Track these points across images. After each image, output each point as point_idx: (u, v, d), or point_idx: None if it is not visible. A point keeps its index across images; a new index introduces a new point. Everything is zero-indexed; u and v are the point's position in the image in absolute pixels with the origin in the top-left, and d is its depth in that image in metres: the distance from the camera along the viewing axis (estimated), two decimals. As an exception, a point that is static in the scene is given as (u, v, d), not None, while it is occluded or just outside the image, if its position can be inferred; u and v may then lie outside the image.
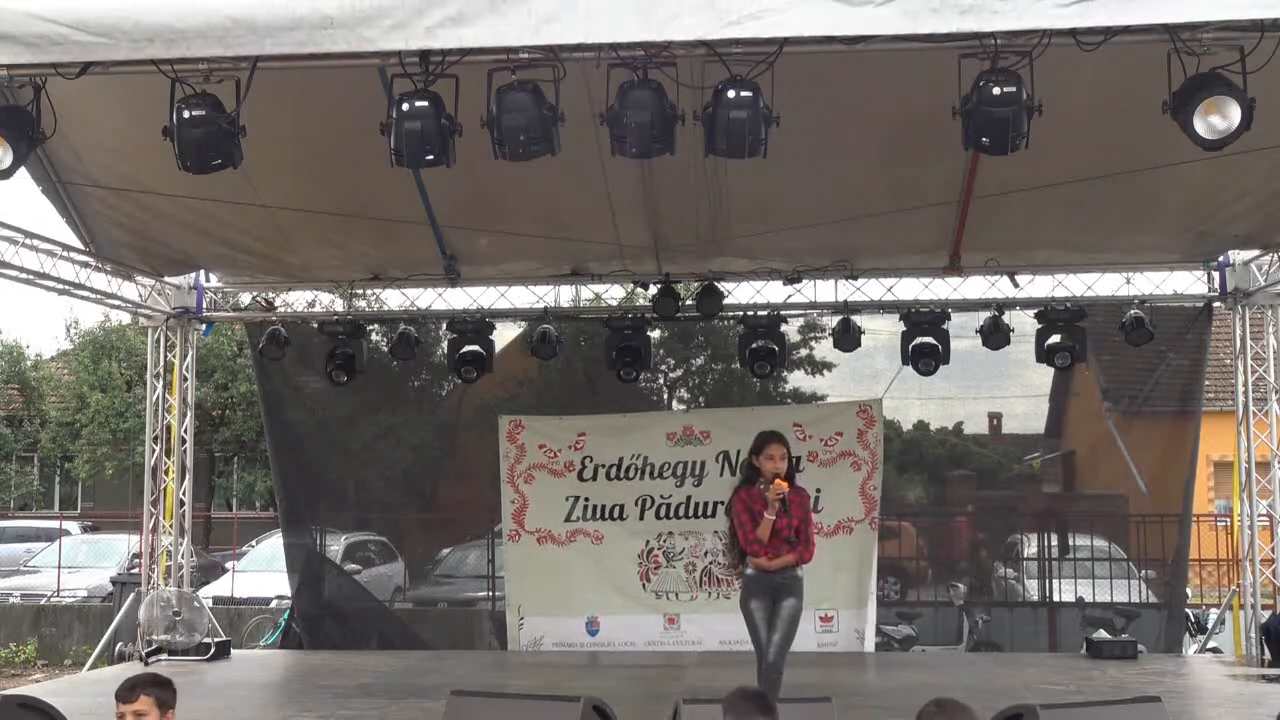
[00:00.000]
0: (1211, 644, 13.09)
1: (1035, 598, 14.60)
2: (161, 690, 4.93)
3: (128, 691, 4.89)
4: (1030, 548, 15.09)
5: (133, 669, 11.84)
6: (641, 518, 13.05)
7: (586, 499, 13.11)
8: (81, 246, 11.21)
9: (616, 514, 13.07)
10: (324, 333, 12.96)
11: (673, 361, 17.40)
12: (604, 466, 13.13)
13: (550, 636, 12.93)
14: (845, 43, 6.26)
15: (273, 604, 16.60)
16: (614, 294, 14.64)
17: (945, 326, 12.33)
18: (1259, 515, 12.11)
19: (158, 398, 12.83)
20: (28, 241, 10.40)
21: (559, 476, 13.15)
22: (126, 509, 20.70)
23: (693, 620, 12.89)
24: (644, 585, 13.00)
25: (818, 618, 12.41)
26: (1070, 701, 8.00)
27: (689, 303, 12.64)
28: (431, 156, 7.01)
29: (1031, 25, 6.06)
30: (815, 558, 8.19)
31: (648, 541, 13.04)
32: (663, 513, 13.04)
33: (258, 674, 12.25)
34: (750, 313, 12.73)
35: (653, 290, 12.39)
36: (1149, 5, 5.94)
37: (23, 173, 7.89)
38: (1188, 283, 12.36)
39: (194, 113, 6.95)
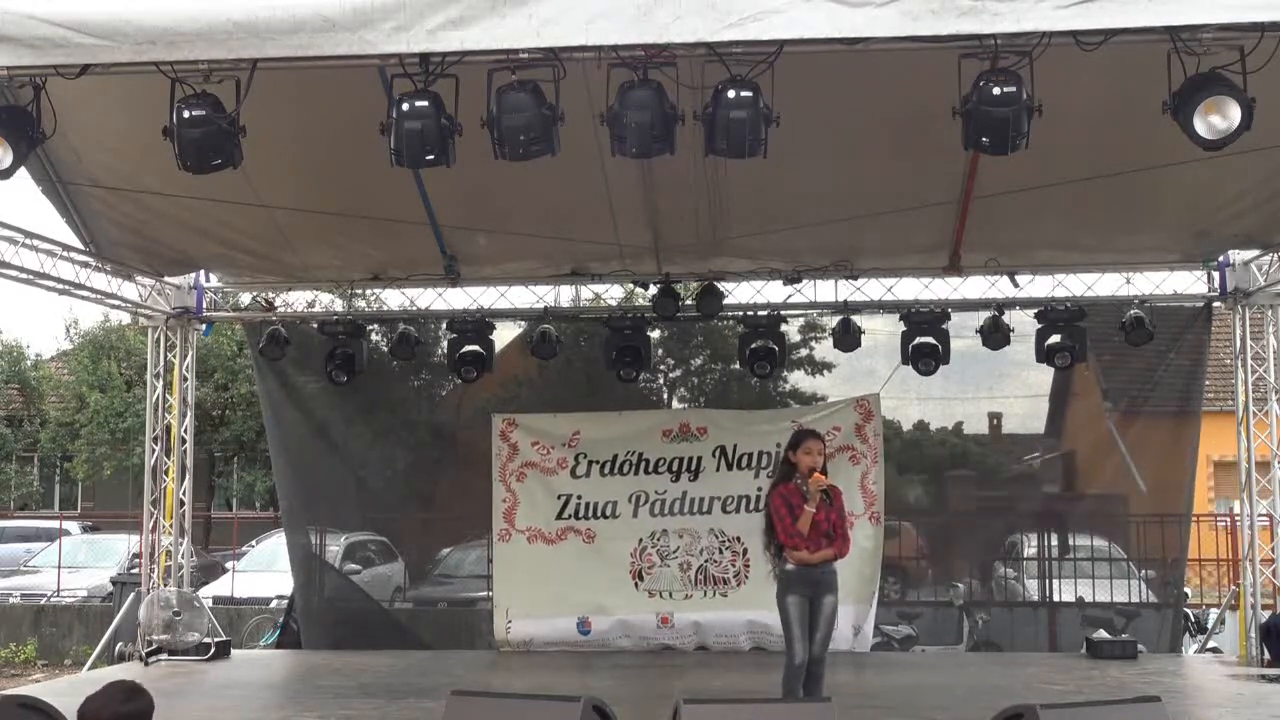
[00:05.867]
0: (1211, 644, 13.10)
1: (1035, 598, 14.58)
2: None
3: None
4: (1030, 548, 15.09)
5: (132, 669, 11.87)
6: (635, 515, 12.94)
7: (579, 496, 13.03)
8: (81, 246, 11.21)
9: (609, 511, 12.98)
10: (324, 333, 12.95)
11: (672, 361, 17.37)
12: (597, 463, 13.05)
13: (541, 637, 12.85)
14: (845, 43, 6.27)
15: (273, 604, 16.60)
16: (614, 294, 14.64)
17: (945, 326, 12.34)
18: (1259, 515, 12.11)
19: (158, 398, 12.83)
20: (28, 241, 10.40)
21: (551, 474, 13.09)
22: (126, 509, 20.74)
23: (688, 619, 12.83)
24: (636, 584, 12.90)
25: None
26: (1070, 701, 7.99)
27: (689, 303, 12.64)
28: (431, 156, 7.02)
29: (1031, 27, 6.08)
30: None
31: (640, 539, 12.94)
32: (657, 509, 12.94)
33: (258, 674, 12.24)
34: (750, 313, 12.73)
35: (653, 290, 12.40)
36: (1149, 7, 5.95)
37: (23, 173, 7.91)
38: (1188, 283, 12.37)
39: (194, 113, 6.96)
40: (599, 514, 13.00)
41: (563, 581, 12.92)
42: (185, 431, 13.01)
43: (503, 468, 13.14)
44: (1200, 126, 6.68)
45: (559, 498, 13.06)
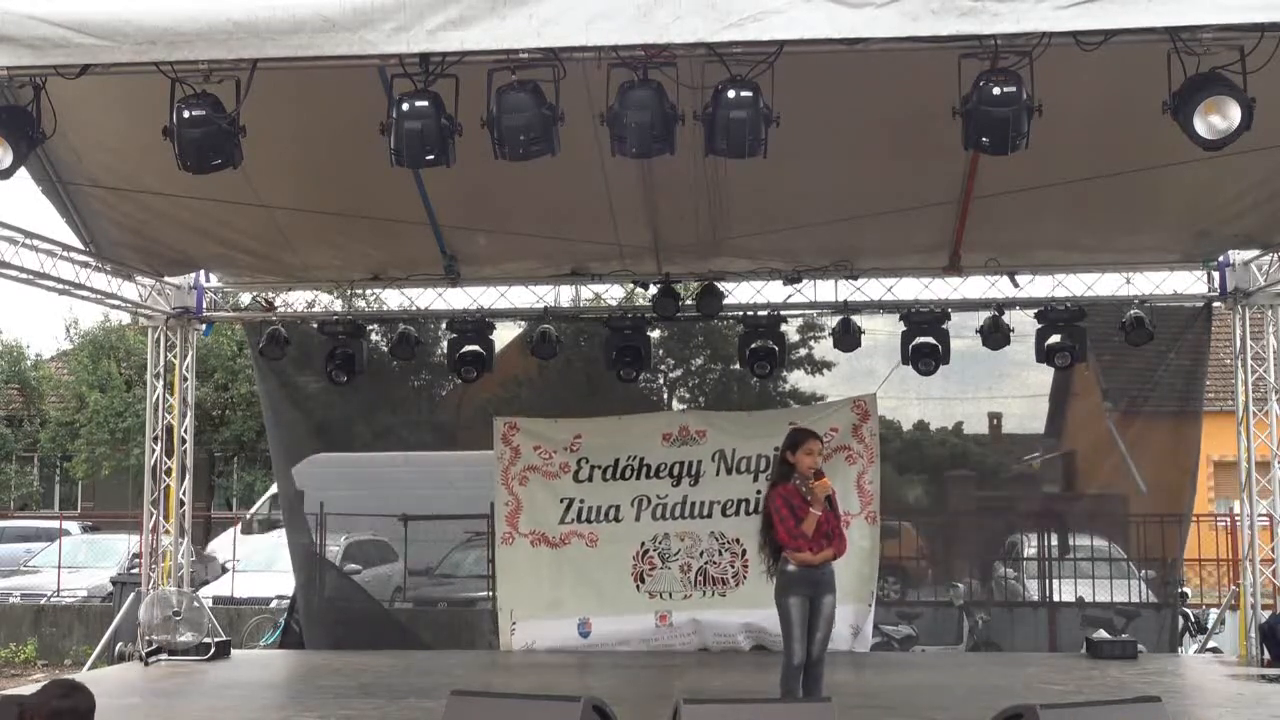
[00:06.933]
0: (1211, 644, 13.10)
1: (1035, 598, 14.59)
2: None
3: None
4: (1030, 548, 15.09)
5: (132, 669, 11.88)
6: (638, 519, 12.99)
7: (582, 501, 13.06)
8: (81, 246, 11.21)
9: (612, 515, 13.03)
10: (324, 333, 12.95)
11: (673, 361, 17.40)
12: (600, 468, 13.08)
13: (542, 641, 12.86)
14: (845, 43, 6.27)
15: (273, 604, 16.61)
16: (614, 294, 14.63)
17: (945, 326, 12.34)
18: (1259, 515, 12.11)
19: (158, 398, 12.83)
20: (28, 241, 10.39)
21: (554, 478, 13.11)
22: (126, 509, 20.73)
23: (686, 617, 12.84)
24: (637, 586, 12.93)
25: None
26: (1070, 701, 8.00)
27: (689, 303, 12.64)
28: (431, 156, 7.02)
29: (1032, 27, 6.08)
30: None
31: (643, 543, 12.98)
32: (659, 513, 12.99)
33: (258, 674, 12.24)
34: (750, 313, 12.73)
35: (653, 290, 12.40)
36: (1149, 7, 5.96)
37: (23, 173, 7.90)
38: (1188, 283, 12.36)
39: (194, 113, 6.96)
40: (602, 518, 13.04)
41: (565, 584, 12.97)
42: (185, 431, 13.01)
43: (505, 470, 13.15)
44: (1200, 126, 6.68)
45: (562, 501, 13.07)
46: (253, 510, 24.14)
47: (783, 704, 7.26)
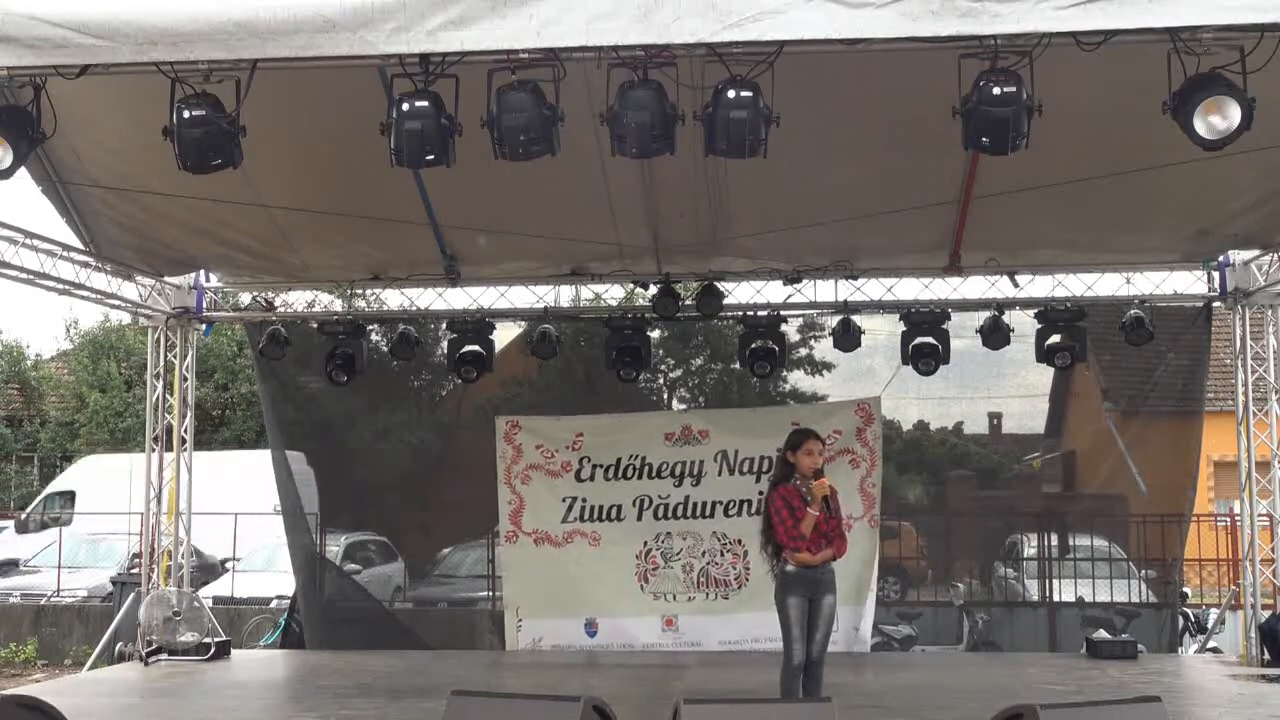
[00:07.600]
0: (1211, 644, 13.11)
1: (1035, 598, 14.61)
2: None
3: None
4: (1030, 548, 15.10)
5: (132, 669, 11.88)
6: (639, 518, 13.01)
7: (584, 500, 13.08)
8: (81, 246, 11.21)
9: (614, 515, 13.05)
10: (324, 333, 12.95)
11: (673, 361, 17.40)
12: (601, 467, 13.10)
13: (549, 638, 12.90)
14: (845, 43, 6.28)
15: (273, 604, 16.61)
16: (614, 294, 14.65)
17: (945, 326, 12.34)
18: (1259, 515, 12.11)
19: (158, 398, 12.83)
20: (28, 241, 10.40)
21: (556, 477, 13.13)
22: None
23: (691, 621, 12.87)
24: (642, 586, 12.98)
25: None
26: (1070, 701, 8.00)
27: (689, 303, 12.64)
28: (431, 156, 7.03)
29: (1031, 28, 6.08)
30: None
31: (645, 542, 13.01)
32: (661, 513, 13.02)
33: (258, 674, 12.25)
34: (750, 313, 12.73)
35: (653, 290, 12.40)
36: (1148, 8, 5.96)
37: (23, 173, 7.90)
38: (1188, 283, 12.36)
39: (194, 113, 6.97)
40: (604, 517, 13.06)
41: (570, 584, 12.98)
42: (185, 431, 13.01)
43: (507, 469, 13.16)
44: (1200, 126, 6.68)
45: (564, 500, 13.09)
46: (29, 509, 24.43)
47: (783, 704, 7.26)
